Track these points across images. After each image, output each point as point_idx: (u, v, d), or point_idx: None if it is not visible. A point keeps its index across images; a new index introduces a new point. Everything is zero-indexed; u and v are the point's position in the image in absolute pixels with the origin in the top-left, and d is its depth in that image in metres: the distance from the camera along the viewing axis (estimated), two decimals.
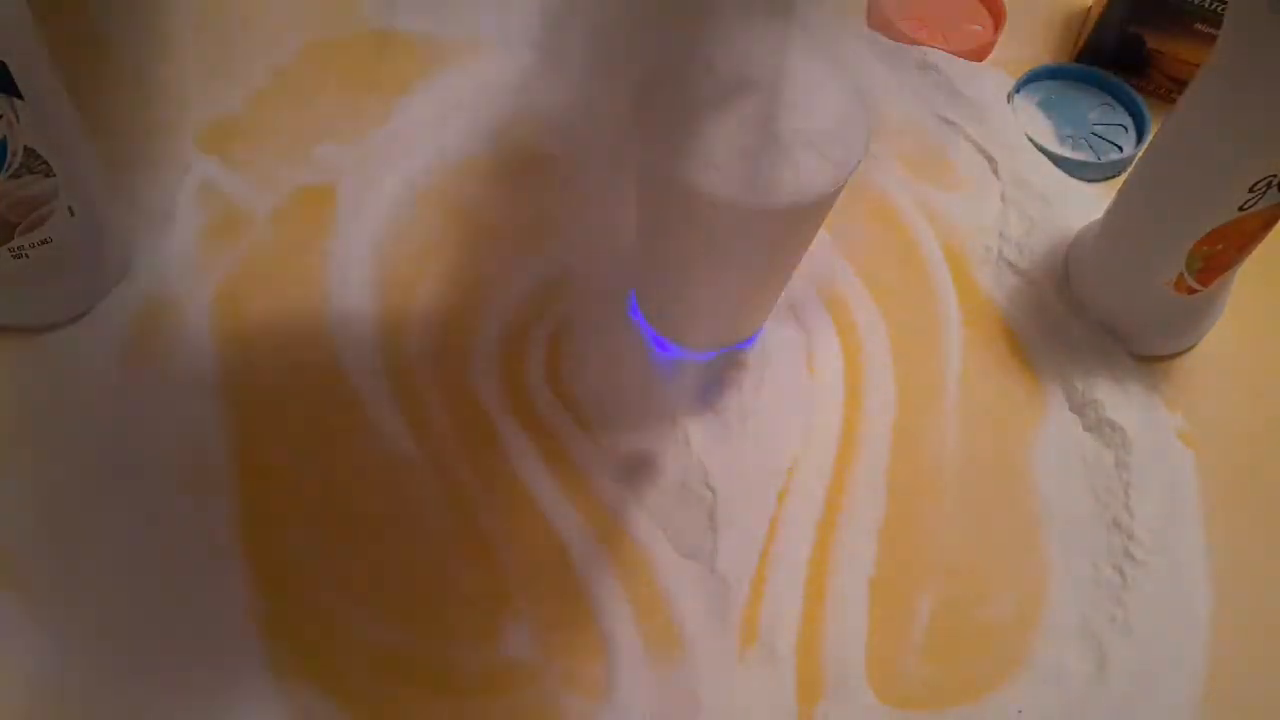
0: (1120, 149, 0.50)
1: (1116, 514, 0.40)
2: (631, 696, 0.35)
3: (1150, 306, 0.43)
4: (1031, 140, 0.50)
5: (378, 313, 0.43)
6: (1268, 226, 0.39)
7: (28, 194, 0.37)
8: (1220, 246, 0.40)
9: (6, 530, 0.37)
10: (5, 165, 0.36)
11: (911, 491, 0.40)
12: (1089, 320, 0.44)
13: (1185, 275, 0.41)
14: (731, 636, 0.37)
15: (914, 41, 0.53)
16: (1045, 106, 0.52)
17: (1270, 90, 0.35)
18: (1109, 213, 0.44)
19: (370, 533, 0.38)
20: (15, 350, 0.40)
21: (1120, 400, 0.43)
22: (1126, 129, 0.51)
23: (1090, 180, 0.49)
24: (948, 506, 0.40)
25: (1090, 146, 0.50)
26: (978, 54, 0.53)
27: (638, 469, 0.39)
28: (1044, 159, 0.49)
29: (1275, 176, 0.37)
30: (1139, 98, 0.51)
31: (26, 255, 0.39)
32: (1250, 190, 0.37)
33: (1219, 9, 0.49)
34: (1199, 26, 0.50)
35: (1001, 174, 0.49)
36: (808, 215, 0.35)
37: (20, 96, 0.35)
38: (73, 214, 0.39)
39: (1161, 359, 0.44)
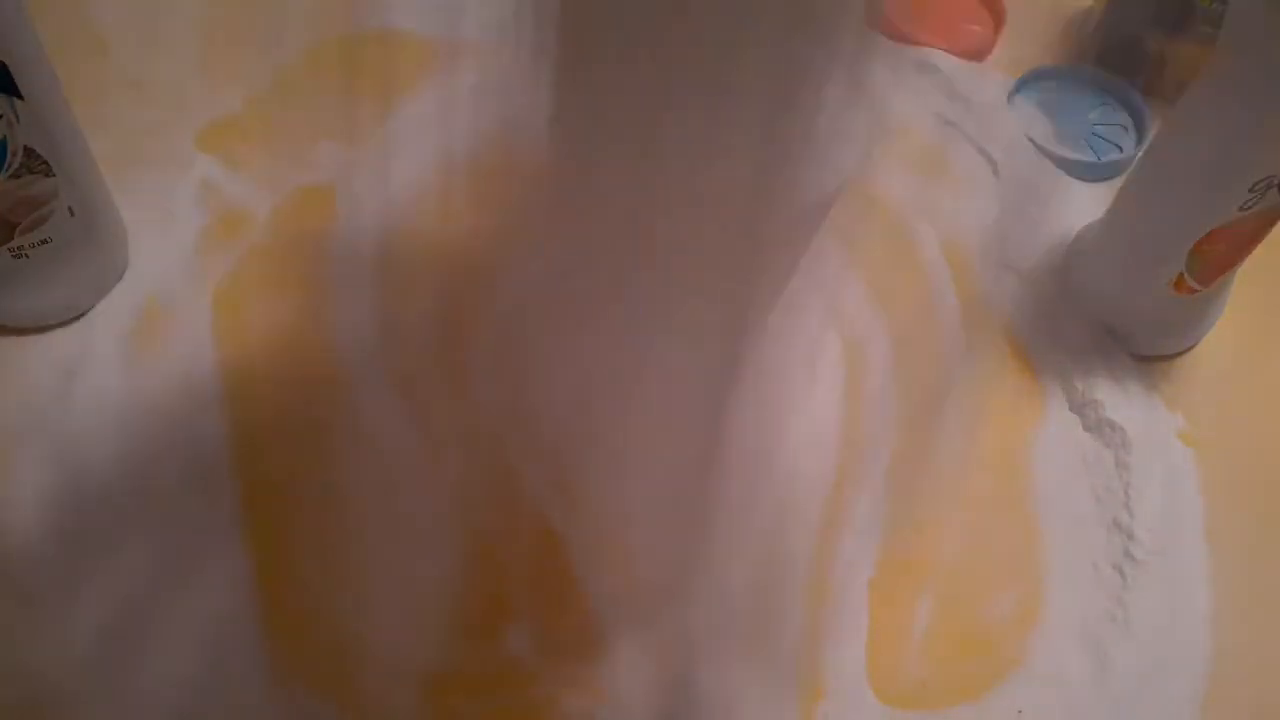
0: (1120, 149, 0.50)
1: (1116, 514, 0.40)
2: (631, 697, 0.35)
3: (1150, 306, 0.43)
4: (1031, 140, 0.50)
5: (378, 312, 0.43)
6: (1268, 226, 0.39)
7: (28, 194, 0.37)
8: (1220, 246, 0.40)
9: (6, 531, 0.37)
10: (5, 165, 0.36)
11: (911, 491, 0.40)
12: (1089, 320, 0.44)
13: (1185, 275, 0.41)
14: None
15: (914, 42, 0.53)
16: (1045, 106, 0.52)
17: (1270, 90, 0.35)
18: (1109, 213, 0.44)
19: (371, 532, 0.38)
20: (15, 350, 0.40)
21: (1120, 400, 0.43)
22: (1126, 129, 0.51)
23: (1090, 180, 0.49)
24: (947, 506, 0.40)
25: (1090, 146, 0.50)
26: (978, 54, 0.53)
27: None
28: (1044, 159, 0.49)
29: (1275, 176, 0.37)
30: (1139, 98, 0.51)
31: (26, 255, 0.39)
32: (1250, 190, 0.37)
33: (1220, 9, 0.49)
34: (1199, 27, 0.50)
35: (1001, 174, 0.49)
36: (807, 216, 0.35)
37: (20, 96, 0.35)
38: (73, 214, 0.39)
39: (1161, 359, 0.44)
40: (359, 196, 0.46)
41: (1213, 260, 0.40)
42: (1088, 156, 0.50)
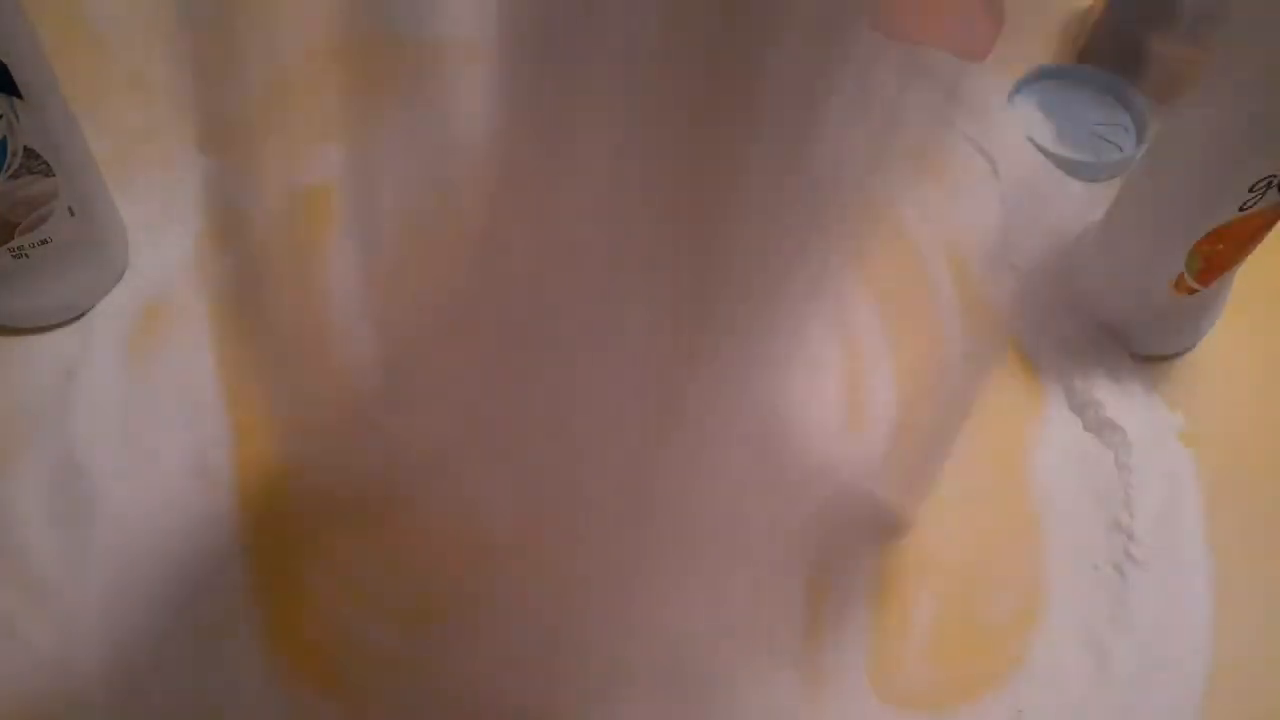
0: (1120, 149, 0.50)
1: (1116, 514, 0.40)
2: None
3: (1150, 306, 0.43)
4: (1031, 140, 0.50)
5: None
6: (1268, 226, 0.39)
7: (28, 194, 0.37)
8: (1220, 246, 0.40)
9: (9, 530, 0.37)
10: (5, 165, 0.36)
11: (911, 491, 0.40)
12: (1089, 320, 0.44)
13: (1185, 275, 0.41)
14: None
15: (913, 42, 0.52)
16: (1045, 106, 0.52)
17: (1270, 90, 0.35)
18: (1109, 213, 0.44)
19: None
20: (15, 350, 0.40)
21: (1120, 400, 0.43)
22: (1126, 129, 0.51)
23: (1090, 180, 0.49)
24: (947, 506, 0.40)
25: (1090, 146, 0.50)
26: (978, 54, 0.53)
27: None
28: (1044, 159, 0.49)
29: (1275, 176, 0.37)
30: (1139, 98, 0.51)
31: (26, 255, 0.39)
32: (1250, 190, 0.37)
33: (1220, 9, 0.49)
34: (1199, 27, 0.50)
35: (1001, 174, 0.49)
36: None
37: (20, 96, 0.35)
38: (73, 214, 0.39)
39: (1161, 359, 0.44)
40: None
41: (1213, 260, 0.40)
42: (1088, 156, 0.50)
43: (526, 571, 0.37)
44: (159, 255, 0.43)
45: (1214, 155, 0.37)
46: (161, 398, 0.40)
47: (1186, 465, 0.42)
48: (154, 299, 0.42)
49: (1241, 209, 0.38)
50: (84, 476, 0.38)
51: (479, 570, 0.37)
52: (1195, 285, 0.41)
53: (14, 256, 0.38)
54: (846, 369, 0.43)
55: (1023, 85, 0.52)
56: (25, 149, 0.36)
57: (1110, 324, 0.44)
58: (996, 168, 0.49)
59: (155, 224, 0.44)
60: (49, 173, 0.37)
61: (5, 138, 0.35)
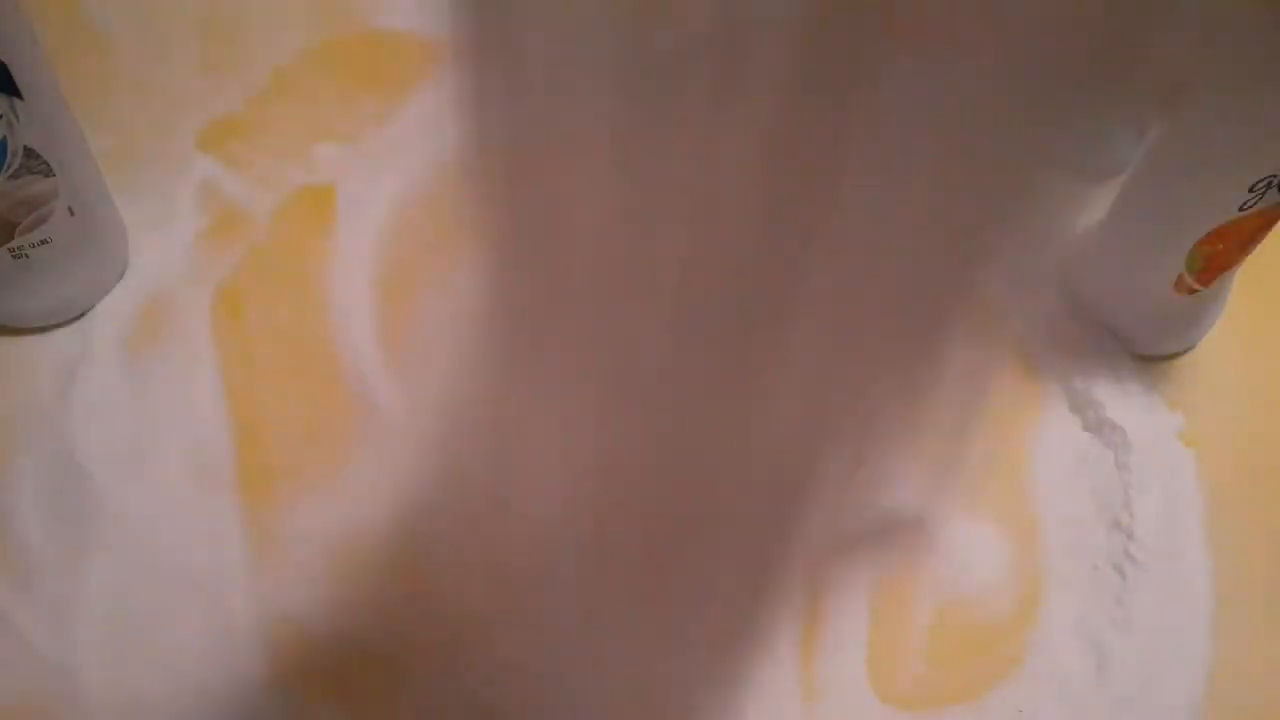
0: (1120, 149, 0.50)
1: (1116, 514, 0.40)
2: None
3: (1150, 306, 0.43)
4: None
5: (378, 313, 0.43)
6: (1268, 226, 0.39)
7: (28, 194, 0.37)
8: (1220, 246, 0.40)
9: (8, 529, 0.37)
10: (5, 165, 0.36)
11: (910, 491, 0.40)
12: (1089, 320, 0.44)
13: (1185, 275, 0.41)
14: None
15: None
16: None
17: (1270, 90, 0.35)
18: (1109, 213, 0.44)
19: (372, 531, 0.38)
20: (15, 350, 0.40)
21: (1120, 400, 0.43)
22: (1126, 129, 0.51)
23: (1090, 180, 0.49)
24: (947, 506, 0.40)
25: (1090, 146, 0.50)
26: None
27: None
28: (1044, 159, 0.49)
29: (1275, 176, 0.37)
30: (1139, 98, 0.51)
31: (26, 255, 0.39)
32: (1250, 190, 0.37)
33: (1220, 10, 0.48)
34: (1199, 27, 0.50)
35: (1001, 174, 0.49)
36: None
37: (20, 96, 0.35)
38: (73, 214, 0.39)
39: (1161, 359, 0.44)
40: (359, 196, 0.46)
41: (1213, 260, 0.40)
42: (1088, 156, 0.50)
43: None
44: (159, 255, 0.43)
45: (1214, 155, 0.37)
46: (161, 398, 0.40)
47: (1186, 465, 0.42)
48: (154, 299, 0.42)
49: (1241, 209, 0.38)
50: (84, 476, 0.38)
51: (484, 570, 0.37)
52: (1195, 285, 0.41)
53: (14, 256, 0.38)
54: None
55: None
56: (25, 149, 0.36)
57: (1110, 324, 0.44)
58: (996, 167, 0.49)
59: (155, 224, 0.44)
60: (49, 173, 0.37)
61: (5, 138, 0.35)
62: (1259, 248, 0.40)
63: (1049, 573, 0.39)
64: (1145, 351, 0.44)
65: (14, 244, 0.38)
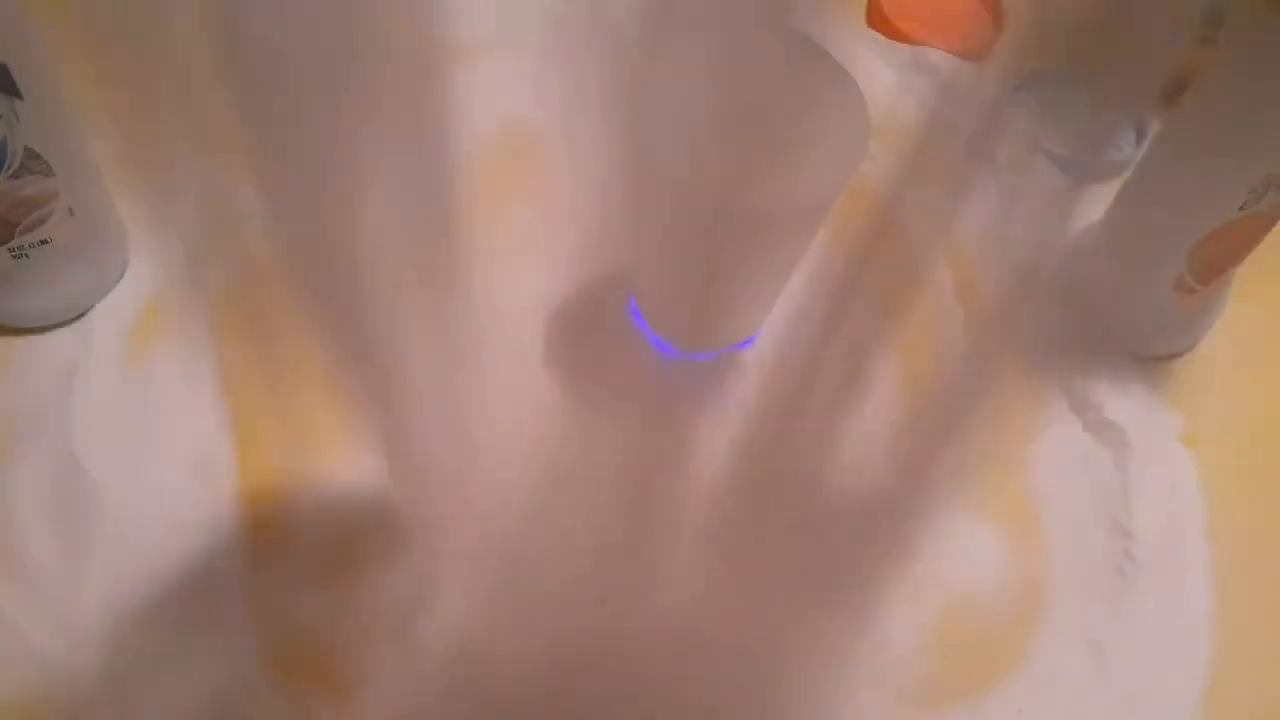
0: (1120, 149, 0.50)
1: (1116, 514, 0.40)
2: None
3: (1150, 306, 0.43)
4: (1032, 140, 0.50)
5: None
6: (1268, 226, 0.39)
7: (28, 194, 0.37)
8: (1220, 246, 0.40)
9: (9, 529, 0.37)
10: (5, 165, 0.36)
11: (910, 491, 0.40)
12: (1089, 320, 0.44)
13: (1185, 275, 0.41)
14: None
15: (913, 41, 0.52)
16: (1045, 107, 0.52)
17: (1270, 90, 0.35)
18: (1109, 213, 0.44)
19: (371, 532, 0.38)
20: (15, 350, 0.40)
21: (1120, 400, 0.43)
22: (1127, 129, 0.51)
23: (1090, 180, 0.49)
24: (947, 506, 0.40)
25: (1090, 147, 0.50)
26: (977, 54, 0.53)
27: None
28: (1044, 159, 0.49)
29: (1275, 176, 0.37)
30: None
31: (26, 255, 0.39)
32: (1250, 190, 0.37)
33: (1220, 9, 0.49)
34: (1199, 27, 0.50)
35: (1001, 174, 0.49)
36: (807, 216, 0.35)
37: (20, 96, 0.35)
38: (73, 214, 0.39)
39: (1161, 359, 0.44)
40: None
41: (1213, 260, 0.40)
42: (1088, 157, 0.50)
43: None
44: (159, 255, 0.43)
45: (1214, 155, 0.38)
46: (161, 398, 0.40)
47: (1186, 465, 0.42)
48: (154, 299, 0.42)
49: (1241, 209, 0.38)
50: (84, 476, 0.38)
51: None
52: (1195, 285, 0.41)
53: (14, 256, 0.38)
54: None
55: (1023, 85, 0.52)
56: (25, 149, 0.36)
57: (1110, 324, 0.44)
58: (996, 168, 0.49)
59: (155, 224, 0.44)
60: (49, 173, 0.37)
61: (5, 138, 0.35)
62: (1259, 248, 0.40)
63: (1049, 573, 0.39)
64: (1145, 351, 0.44)
65: (14, 244, 0.38)
